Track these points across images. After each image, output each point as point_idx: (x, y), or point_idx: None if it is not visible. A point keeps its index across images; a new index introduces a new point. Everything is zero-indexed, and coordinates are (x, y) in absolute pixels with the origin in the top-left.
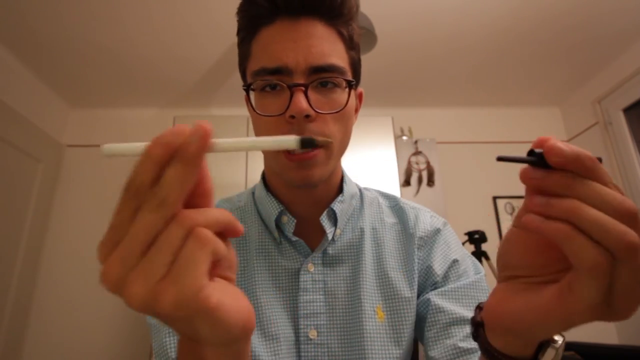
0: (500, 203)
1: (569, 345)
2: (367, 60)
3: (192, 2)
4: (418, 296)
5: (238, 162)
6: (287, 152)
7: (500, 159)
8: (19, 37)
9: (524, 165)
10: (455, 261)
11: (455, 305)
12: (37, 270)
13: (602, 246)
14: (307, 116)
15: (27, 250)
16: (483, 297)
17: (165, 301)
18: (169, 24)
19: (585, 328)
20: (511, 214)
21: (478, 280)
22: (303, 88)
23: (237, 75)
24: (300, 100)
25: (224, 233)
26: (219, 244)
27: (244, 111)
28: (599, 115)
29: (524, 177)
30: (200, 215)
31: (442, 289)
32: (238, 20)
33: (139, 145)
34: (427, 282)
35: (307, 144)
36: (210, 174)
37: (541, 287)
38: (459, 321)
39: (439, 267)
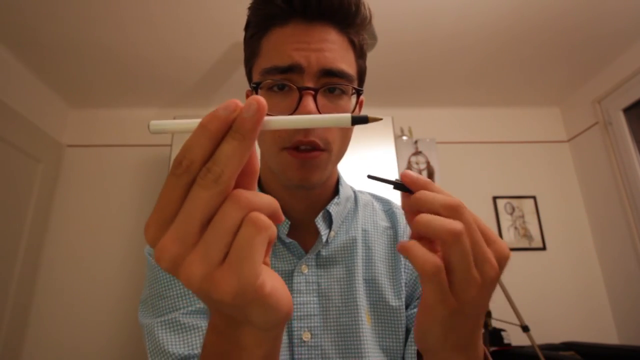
0: (500, 203)
1: (569, 345)
2: (367, 60)
3: (192, 2)
4: (407, 307)
5: None
6: (292, 150)
7: (370, 176)
8: (19, 37)
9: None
10: None
11: None
12: (37, 270)
13: (436, 241)
14: None
15: (27, 250)
16: None
17: (224, 291)
18: (169, 24)
19: (585, 328)
20: (511, 214)
21: None
22: (313, 92)
23: (237, 75)
24: (309, 104)
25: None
26: (274, 229)
27: None
28: (599, 115)
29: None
30: (255, 197)
31: None
32: (249, 16)
33: (188, 122)
34: (414, 294)
35: (359, 121)
36: None
37: None
38: None
39: None
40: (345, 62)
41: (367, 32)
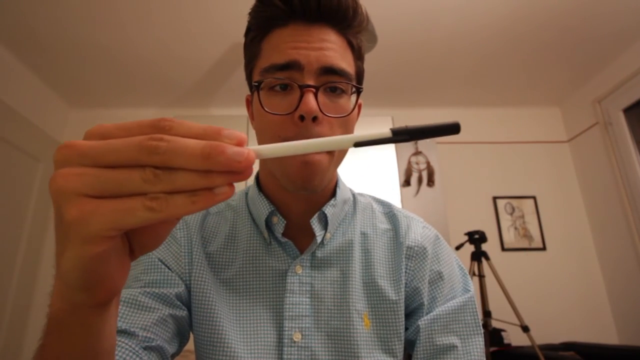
0: (500, 203)
1: (569, 346)
2: (367, 60)
3: (192, 2)
4: (408, 315)
5: None
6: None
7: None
8: (19, 37)
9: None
10: (441, 277)
11: (442, 333)
12: (37, 270)
13: None
14: (315, 118)
15: (27, 250)
16: (471, 320)
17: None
18: (169, 24)
19: (585, 328)
20: (511, 214)
21: (466, 302)
22: (314, 90)
23: (237, 76)
24: (311, 100)
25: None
26: None
27: (244, 111)
28: (599, 116)
29: None
30: None
31: (431, 315)
32: (249, 20)
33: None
34: (415, 297)
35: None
36: None
37: None
38: (445, 349)
39: (426, 286)
40: (345, 61)
41: (364, 35)
